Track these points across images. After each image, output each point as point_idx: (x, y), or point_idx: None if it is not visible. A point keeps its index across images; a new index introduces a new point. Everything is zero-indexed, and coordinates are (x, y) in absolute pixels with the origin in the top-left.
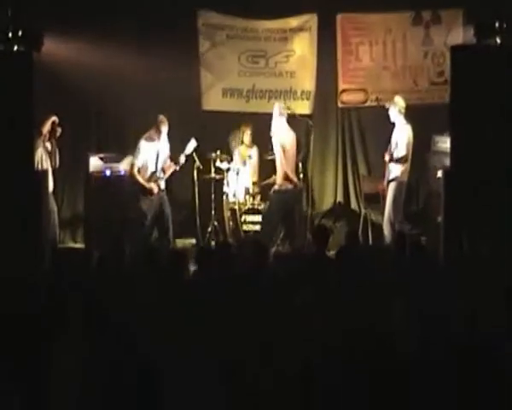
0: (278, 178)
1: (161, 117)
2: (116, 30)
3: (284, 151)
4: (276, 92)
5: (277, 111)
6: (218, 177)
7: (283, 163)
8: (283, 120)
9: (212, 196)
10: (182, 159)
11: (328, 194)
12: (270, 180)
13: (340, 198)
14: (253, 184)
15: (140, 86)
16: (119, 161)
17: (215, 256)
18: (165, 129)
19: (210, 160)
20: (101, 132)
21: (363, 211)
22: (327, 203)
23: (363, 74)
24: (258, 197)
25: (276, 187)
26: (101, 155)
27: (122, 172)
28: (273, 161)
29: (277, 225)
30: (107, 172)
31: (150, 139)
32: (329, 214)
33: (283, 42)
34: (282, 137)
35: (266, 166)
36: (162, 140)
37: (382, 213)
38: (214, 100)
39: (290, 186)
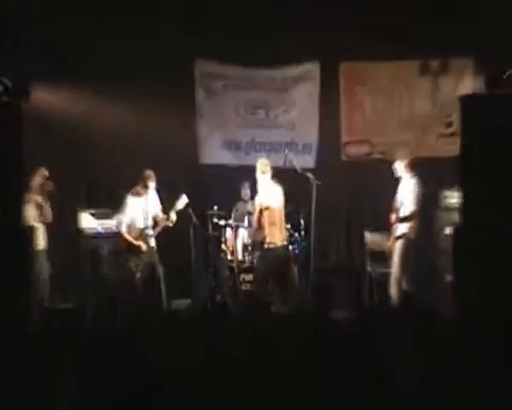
0: (267, 238)
1: (148, 172)
2: (110, 79)
3: (267, 209)
4: (276, 145)
5: (259, 168)
6: (215, 234)
7: (269, 224)
8: (266, 177)
9: (210, 254)
10: (172, 216)
11: (331, 250)
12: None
13: (343, 255)
14: (252, 242)
15: (133, 138)
16: (110, 217)
17: (212, 319)
18: (152, 184)
19: (207, 216)
20: (92, 187)
21: (368, 269)
22: (329, 260)
23: (367, 126)
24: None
25: (265, 247)
26: (92, 211)
27: (115, 229)
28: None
29: (266, 285)
30: (99, 229)
31: (137, 194)
32: (332, 272)
33: (284, 92)
34: (264, 195)
35: None
36: (150, 195)
37: (388, 272)
38: (212, 152)
39: (279, 245)
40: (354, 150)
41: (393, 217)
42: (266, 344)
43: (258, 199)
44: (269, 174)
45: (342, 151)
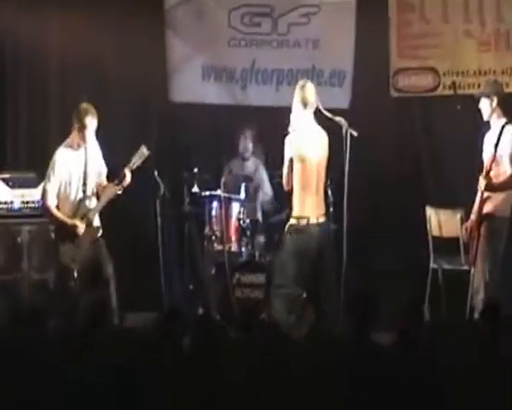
0: (295, 209)
1: (84, 105)
2: None
3: (305, 168)
4: (289, 73)
5: (299, 99)
6: (195, 210)
7: (302, 186)
8: (309, 114)
9: (186, 241)
10: (126, 176)
11: (373, 237)
12: (282, 216)
13: (392, 244)
14: (253, 222)
15: (67, 61)
16: (34, 185)
17: (191, 341)
18: (92, 123)
19: (182, 182)
20: (7, 140)
21: (432, 266)
22: (371, 253)
23: (431, 43)
24: (262, 244)
25: (291, 225)
26: (5, 176)
27: (40, 203)
28: None
29: (295, 287)
30: (16, 204)
31: (70, 147)
32: (376, 271)
33: None
34: (304, 143)
35: (277, 194)
36: (90, 148)
37: (468, 270)
38: (189, 85)
39: (315, 222)
40: (410, 82)
41: (483, 183)
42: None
43: (295, 149)
44: (313, 108)
45: (392, 83)
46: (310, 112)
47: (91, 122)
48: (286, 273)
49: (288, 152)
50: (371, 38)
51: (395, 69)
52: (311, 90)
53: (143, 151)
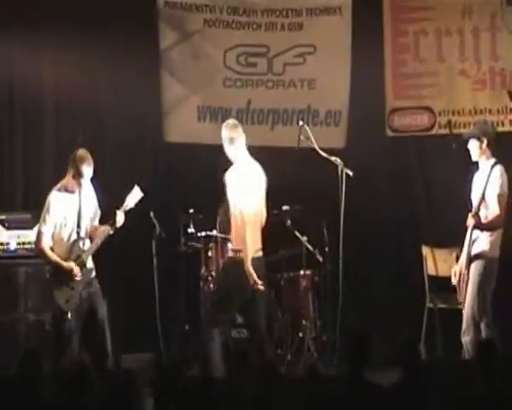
0: (233, 240)
1: (81, 152)
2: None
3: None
4: (285, 113)
5: (226, 135)
6: (190, 250)
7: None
8: (238, 149)
9: (182, 281)
10: (119, 217)
11: (369, 277)
12: (280, 254)
13: (388, 283)
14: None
15: (67, 104)
16: (30, 226)
17: (187, 382)
18: (88, 171)
19: (177, 223)
20: (3, 181)
21: (427, 304)
22: (368, 291)
23: (426, 83)
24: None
25: (230, 253)
26: (1, 217)
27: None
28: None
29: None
30: (12, 245)
31: (65, 191)
32: (372, 309)
33: (296, 31)
34: (235, 178)
35: (275, 230)
36: (85, 191)
37: (459, 309)
38: (184, 125)
39: (256, 255)
40: (406, 121)
41: (471, 223)
42: None
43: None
44: (241, 144)
45: (387, 123)
46: (238, 148)
47: (87, 170)
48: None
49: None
50: (366, 78)
51: (390, 109)
52: (234, 127)
53: (137, 192)
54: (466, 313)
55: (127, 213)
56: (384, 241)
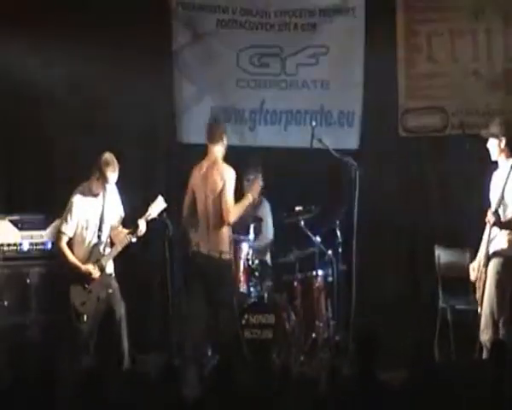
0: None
1: (107, 156)
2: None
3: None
4: (298, 114)
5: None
6: None
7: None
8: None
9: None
10: (141, 226)
11: (382, 277)
12: (290, 257)
13: (401, 284)
14: (262, 263)
15: (77, 107)
16: (43, 227)
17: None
18: (112, 176)
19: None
20: (15, 182)
21: (441, 305)
22: (380, 292)
23: (440, 83)
24: (271, 285)
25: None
26: (14, 217)
27: (49, 246)
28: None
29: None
30: (25, 246)
31: (89, 193)
32: (385, 311)
33: (310, 32)
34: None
35: (288, 230)
36: (108, 194)
37: (475, 310)
38: (198, 126)
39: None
40: (419, 122)
41: (491, 220)
42: None
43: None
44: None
45: (400, 123)
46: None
47: (112, 175)
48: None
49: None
50: (379, 79)
51: (404, 109)
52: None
53: (160, 202)
54: (484, 311)
55: (149, 223)
56: (397, 242)
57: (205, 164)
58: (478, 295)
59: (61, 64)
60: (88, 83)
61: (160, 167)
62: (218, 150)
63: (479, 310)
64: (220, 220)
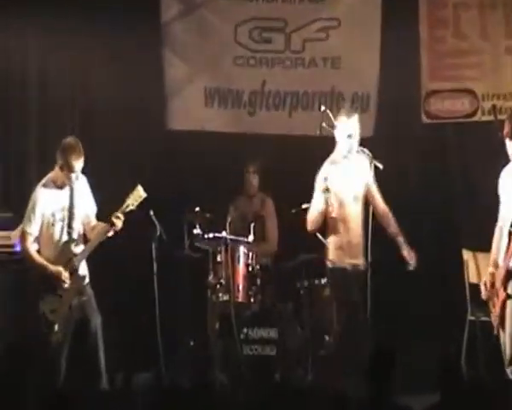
0: (331, 248)
1: (70, 141)
2: None
3: (341, 205)
4: (304, 97)
5: (343, 125)
6: (196, 255)
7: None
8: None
9: (186, 290)
10: (117, 221)
11: (404, 284)
12: (296, 261)
13: (425, 291)
14: (264, 268)
15: (52, 86)
16: (12, 226)
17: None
18: (77, 164)
19: (181, 223)
20: None
21: (468, 317)
22: (399, 299)
23: (468, 63)
24: (274, 294)
25: (329, 263)
26: None
27: (17, 248)
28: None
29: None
30: None
31: (53, 185)
32: (403, 321)
33: (318, 3)
34: (340, 178)
35: (294, 231)
36: (76, 185)
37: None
38: (189, 111)
39: (352, 262)
40: (444, 106)
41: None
42: None
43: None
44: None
45: (423, 108)
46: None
47: (77, 162)
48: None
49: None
50: (399, 57)
51: (427, 92)
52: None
53: (139, 192)
54: (508, 340)
55: (127, 215)
56: (419, 243)
57: None
58: (493, 317)
59: (32, 38)
60: (61, 60)
61: (145, 158)
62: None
63: (501, 338)
64: None
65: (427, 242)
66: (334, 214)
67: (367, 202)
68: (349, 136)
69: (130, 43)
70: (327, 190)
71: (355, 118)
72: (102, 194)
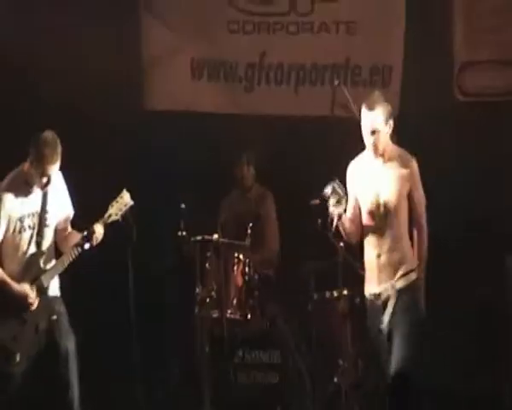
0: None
1: (46, 135)
2: None
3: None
4: (313, 70)
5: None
6: (181, 262)
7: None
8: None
9: (170, 305)
10: (98, 231)
11: (436, 296)
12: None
13: (463, 306)
14: (264, 278)
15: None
16: None
17: None
18: (53, 159)
19: (163, 224)
20: None
21: None
22: (431, 317)
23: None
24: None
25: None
26: None
27: None
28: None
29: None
30: None
31: (23, 184)
32: (434, 343)
33: None
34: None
35: (301, 234)
36: (51, 184)
37: None
38: (173, 88)
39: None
40: (481, 81)
41: None
42: None
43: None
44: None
45: (456, 83)
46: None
47: (53, 158)
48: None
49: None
50: (428, 20)
51: (461, 63)
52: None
53: (125, 199)
54: None
55: (109, 224)
56: (452, 245)
57: None
58: None
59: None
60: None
61: (120, 144)
62: None
63: None
64: None
65: (462, 245)
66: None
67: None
68: (373, 132)
69: (103, 7)
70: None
71: (380, 109)
72: (75, 191)
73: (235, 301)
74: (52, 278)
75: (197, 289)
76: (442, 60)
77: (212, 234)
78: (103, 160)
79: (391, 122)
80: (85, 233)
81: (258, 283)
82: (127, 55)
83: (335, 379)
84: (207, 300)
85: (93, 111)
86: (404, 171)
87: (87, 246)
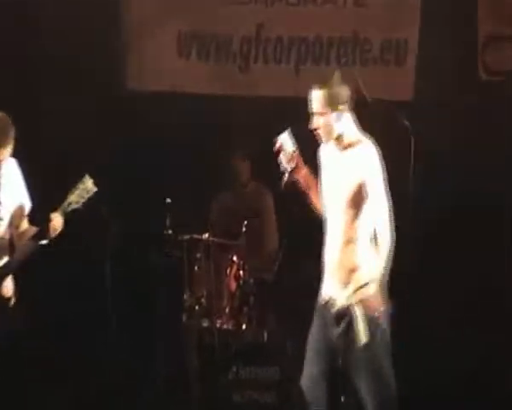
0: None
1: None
2: None
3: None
4: (317, 45)
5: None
6: (167, 264)
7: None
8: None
9: (154, 315)
10: (56, 222)
11: (449, 300)
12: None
13: (478, 311)
14: (260, 283)
15: None
16: None
17: None
18: (6, 143)
19: (147, 221)
20: None
21: None
22: (442, 323)
23: None
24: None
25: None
26: None
27: None
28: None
29: None
30: None
31: None
32: (451, 358)
33: None
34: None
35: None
36: (4, 172)
37: None
38: (158, 65)
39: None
40: (509, 58)
41: None
42: None
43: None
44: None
45: (480, 60)
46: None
47: (5, 142)
48: None
49: None
50: None
51: (486, 38)
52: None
53: (87, 185)
54: None
55: (69, 216)
56: (472, 240)
57: None
58: None
59: None
60: None
61: (99, 129)
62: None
63: None
64: None
65: (483, 240)
66: None
67: None
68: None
69: None
70: None
71: (325, 91)
72: (36, 183)
73: (227, 309)
74: (5, 276)
75: (185, 296)
76: (465, 35)
77: (201, 233)
78: (78, 147)
79: (344, 108)
80: (42, 227)
81: (254, 288)
82: (107, 28)
83: (342, 399)
84: (196, 307)
85: (67, 91)
86: (363, 162)
87: (44, 241)
